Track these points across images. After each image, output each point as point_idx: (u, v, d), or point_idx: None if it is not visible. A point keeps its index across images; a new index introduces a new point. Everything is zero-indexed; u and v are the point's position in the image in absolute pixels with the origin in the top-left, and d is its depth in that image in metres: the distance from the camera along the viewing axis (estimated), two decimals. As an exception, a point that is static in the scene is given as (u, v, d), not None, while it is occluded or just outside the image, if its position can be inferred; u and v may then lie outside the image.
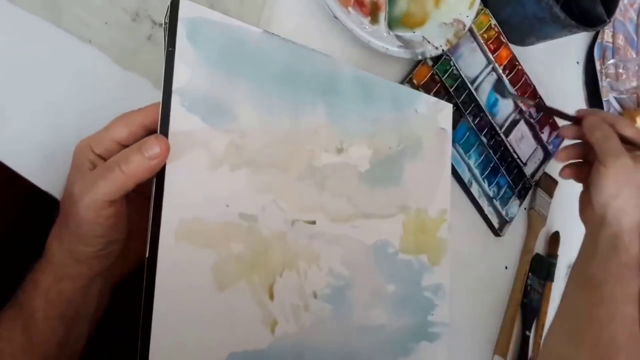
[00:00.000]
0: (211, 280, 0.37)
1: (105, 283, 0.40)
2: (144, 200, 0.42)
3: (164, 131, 0.36)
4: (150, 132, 0.38)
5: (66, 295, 0.37)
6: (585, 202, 0.59)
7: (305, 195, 0.44)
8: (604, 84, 0.86)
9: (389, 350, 0.48)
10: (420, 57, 0.60)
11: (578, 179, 0.63)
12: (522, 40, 0.75)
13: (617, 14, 0.91)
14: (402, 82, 0.61)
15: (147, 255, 0.35)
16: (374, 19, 0.58)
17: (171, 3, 0.38)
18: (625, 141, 0.57)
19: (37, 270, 0.37)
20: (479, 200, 0.66)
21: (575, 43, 0.87)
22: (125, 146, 0.38)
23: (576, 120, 0.62)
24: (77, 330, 0.39)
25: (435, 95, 0.63)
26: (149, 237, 0.35)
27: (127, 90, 0.45)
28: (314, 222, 0.44)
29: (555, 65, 0.82)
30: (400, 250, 0.50)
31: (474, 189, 0.65)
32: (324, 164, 0.45)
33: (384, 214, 0.49)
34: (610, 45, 0.89)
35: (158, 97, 0.45)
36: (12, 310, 0.37)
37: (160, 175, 0.36)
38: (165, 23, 0.38)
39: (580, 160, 0.64)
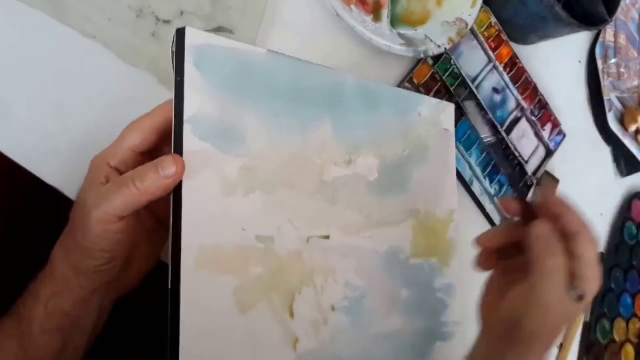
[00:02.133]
0: (233, 304, 0.38)
1: (105, 299, 0.40)
2: (155, 221, 0.42)
3: None
4: (162, 133, 0.38)
5: (65, 307, 0.37)
6: (497, 293, 0.44)
7: (318, 211, 0.44)
8: (605, 83, 0.86)
9: (407, 355, 0.48)
10: (422, 56, 0.60)
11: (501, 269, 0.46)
12: (524, 39, 0.75)
13: (619, 14, 0.91)
14: (402, 81, 0.61)
15: (170, 286, 0.35)
16: (377, 17, 0.58)
17: (177, 32, 0.38)
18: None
19: (38, 281, 0.37)
20: (481, 199, 0.66)
21: (577, 42, 0.87)
22: (140, 153, 0.38)
23: (525, 210, 0.44)
24: (74, 343, 0.39)
25: (436, 94, 0.63)
26: (170, 268, 0.35)
27: (132, 85, 0.45)
28: (328, 237, 0.44)
29: (557, 64, 0.82)
30: (411, 255, 0.50)
31: (476, 188, 0.66)
32: (334, 177, 0.45)
33: (394, 221, 0.50)
34: (612, 44, 0.90)
35: (162, 92, 0.46)
36: (10, 319, 0.37)
37: (177, 207, 0.36)
38: (173, 52, 0.38)
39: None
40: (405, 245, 0.50)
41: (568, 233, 0.40)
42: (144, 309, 0.44)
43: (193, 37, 0.38)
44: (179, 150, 0.36)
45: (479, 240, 0.46)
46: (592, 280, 0.39)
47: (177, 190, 0.36)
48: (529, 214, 0.43)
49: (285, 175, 0.42)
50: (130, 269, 0.41)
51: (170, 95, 0.38)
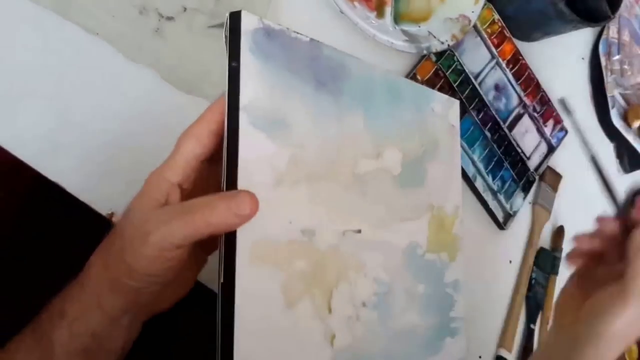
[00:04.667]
0: (281, 299, 0.37)
1: (135, 320, 0.38)
2: (195, 245, 0.37)
3: (233, 152, 0.35)
4: (219, 135, 0.36)
5: (92, 327, 0.34)
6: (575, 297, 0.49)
7: (351, 204, 0.43)
8: (609, 79, 0.86)
9: (421, 352, 0.48)
10: (425, 52, 0.60)
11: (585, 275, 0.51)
12: (528, 35, 0.75)
13: (623, 11, 0.91)
14: (406, 78, 0.61)
15: (222, 280, 0.33)
16: (380, 13, 0.58)
17: (230, 15, 0.36)
18: None
19: (67, 296, 0.35)
20: (484, 194, 0.66)
21: (581, 39, 0.87)
22: (201, 162, 0.36)
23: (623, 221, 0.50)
24: None
25: (439, 90, 0.63)
26: (223, 263, 0.34)
27: (135, 82, 0.45)
28: (359, 231, 0.43)
29: (560, 61, 0.82)
30: (427, 251, 0.50)
31: (478, 183, 0.66)
32: (364, 170, 0.45)
33: (414, 216, 0.49)
34: (616, 41, 0.89)
35: (165, 89, 0.46)
36: (32, 337, 0.35)
37: None
38: (225, 37, 0.36)
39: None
40: (422, 240, 0.49)
41: None
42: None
43: (248, 22, 0.37)
44: (234, 141, 0.35)
45: (578, 239, 0.52)
46: None
47: (233, 181, 0.34)
48: (625, 228, 0.49)
49: (324, 167, 0.41)
50: (166, 291, 0.38)
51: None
